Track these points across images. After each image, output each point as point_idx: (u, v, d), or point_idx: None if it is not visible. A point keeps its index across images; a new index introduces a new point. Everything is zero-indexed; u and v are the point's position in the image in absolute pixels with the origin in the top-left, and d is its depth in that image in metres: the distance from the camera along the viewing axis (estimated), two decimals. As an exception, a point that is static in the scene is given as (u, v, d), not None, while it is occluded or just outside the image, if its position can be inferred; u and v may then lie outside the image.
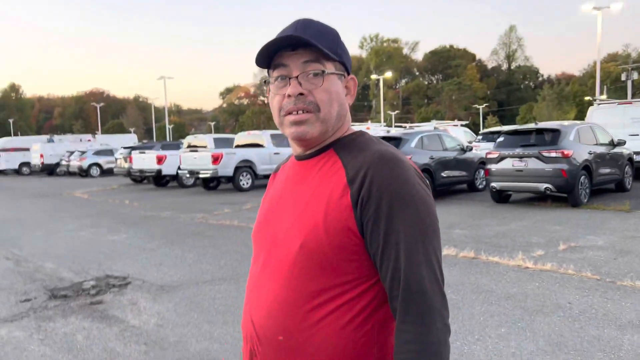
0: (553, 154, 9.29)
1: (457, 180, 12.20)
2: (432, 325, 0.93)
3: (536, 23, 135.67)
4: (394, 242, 0.95)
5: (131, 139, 35.56)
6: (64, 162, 27.50)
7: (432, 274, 0.95)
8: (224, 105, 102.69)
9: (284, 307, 1.01)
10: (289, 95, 1.03)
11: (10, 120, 76.69)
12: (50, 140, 30.54)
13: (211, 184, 16.24)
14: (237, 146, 16.55)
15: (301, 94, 1.02)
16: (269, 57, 1.06)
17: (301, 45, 1.02)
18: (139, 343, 3.87)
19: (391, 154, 1.00)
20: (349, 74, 1.11)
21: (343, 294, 0.99)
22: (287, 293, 1.01)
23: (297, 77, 1.03)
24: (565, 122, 10.35)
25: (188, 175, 15.95)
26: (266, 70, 1.10)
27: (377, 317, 1.00)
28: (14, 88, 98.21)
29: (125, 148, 21.48)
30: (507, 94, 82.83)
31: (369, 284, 1.00)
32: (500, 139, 10.43)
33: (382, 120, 46.26)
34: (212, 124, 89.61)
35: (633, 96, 32.09)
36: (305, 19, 1.07)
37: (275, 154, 16.10)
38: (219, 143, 17.33)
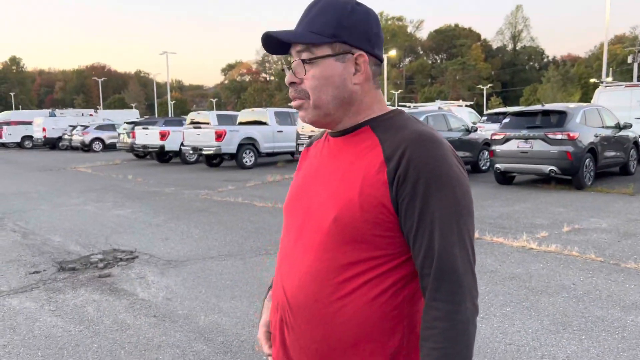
0: (559, 136, 9.27)
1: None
2: (461, 304, 0.94)
3: (543, 3, 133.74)
4: (428, 222, 0.96)
5: (133, 114, 35.44)
6: (66, 137, 27.47)
7: (464, 254, 0.96)
8: (226, 81, 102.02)
9: (315, 278, 1.03)
10: (288, 84, 1.09)
11: (12, 94, 76.29)
12: (52, 115, 30.49)
13: (214, 160, 16.24)
14: (241, 123, 16.51)
15: (292, 82, 1.06)
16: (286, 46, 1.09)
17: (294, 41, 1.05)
18: (148, 315, 3.93)
19: (430, 134, 1.00)
20: (362, 49, 1.04)
21: (374, 268, 1.01)
22: (320, 264, 1.03)
23: (289, 67, 1.07)
24: (572, 104, 10.29)
25: (191, 152, 15.95)
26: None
27: (408, 292, 1.02)
28: (14, 61, 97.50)
29: (128, 123, 21.44)
30: (512, 75, 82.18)
31: (401, 259, 1.02)
32: (506, 120, 10.39)
33: (385, 99, 46.02)
34: (214, 100, 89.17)
35: (639, 79, 31.80)
36: None
37: (278, 131, 16.08)
38: (222, 120, 17.31)
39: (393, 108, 1.12)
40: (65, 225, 7.38)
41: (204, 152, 15.41)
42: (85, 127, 26.36)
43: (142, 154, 19.53)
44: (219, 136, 14.88)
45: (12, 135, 30.52)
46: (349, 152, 1.07)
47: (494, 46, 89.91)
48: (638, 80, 31.43)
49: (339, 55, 1.03)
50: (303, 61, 1.04)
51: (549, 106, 10.29)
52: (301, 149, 13.94)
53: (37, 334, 3.64)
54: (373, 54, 1.06)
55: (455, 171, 0.98)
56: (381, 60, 1.11)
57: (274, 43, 1.07)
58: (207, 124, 16.49)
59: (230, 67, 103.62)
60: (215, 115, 17.60)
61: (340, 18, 1.03)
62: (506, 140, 9.92)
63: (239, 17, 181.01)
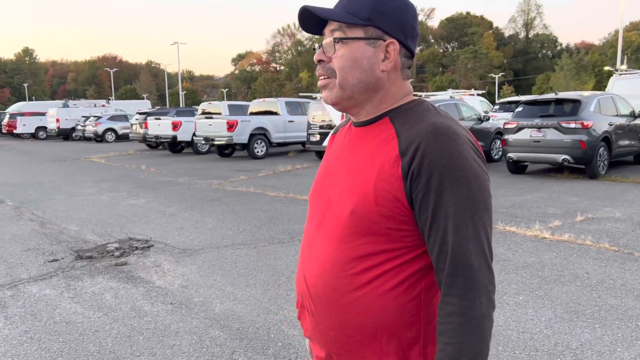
0: (572, 125, 9.19)
1: (473, 151, 12.15)
2: (476, 299, 0.94)
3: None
4: (442, 217, 0.96)
5: (145, 104, 35.63)
6: (79, 127, 27.71)
7: (479, 250, 0.96)
8: (236, 71, 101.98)
9: (334, 268, 1.06)
10: (316, 62, 1.10)
11: (25, 85, 76.98)
12: (65, 105, 30.73)
13: (226, 150, 16.32)
14: (252, 113, 16.55)
15: (321, 60, 1.08)
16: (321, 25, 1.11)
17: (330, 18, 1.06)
18: (165, 303, 4.00)
19: (447, 127, 0.98)
20: (395, 38, 1.05)
21: (391, 260, 1.02)
22: (338, 255, 1.05)
23: (320, 45, 1.09)
24: (586, 93, 10.19)
25: (203, 142, 16.03)
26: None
27: (425, 284, 1.03)
28: (27, 52, 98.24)
29: (140, 114, 21.58)
30: (524, 63, 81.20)
31: (418, 252, 1.03)
32: (519, 108, 10.31)
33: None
34: (225, 90, 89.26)
35: (655, 67, 31.36)
36: None
37: (289, 122, 16.10)
38: (233, 110, 17.37)
39: (415, 98, 1.12)
40: (81, 214, 7.49)
41: (215, 142, 15.48)
42: (98, 117, 26.57)
43: (154, 144, 19.67)
44: (231, 126, 14.94)
45: (27, 126, 30.84)
46: (368, 144, 1.08)
47: (506, 34, 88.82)
48: (654, 68, 30.91)
49: (371, 39, 1.04)
50: (334, 40, 1.05)
51: (562, 95, 10.19)
52: (312, 138, 13.99)
53: (57, 320, 3.73)
54: (405, 44, 1.07)
55: (471, 165, 0.97)
56: (413, 54, 1.10)
57: (310, 21, 1.08)
58: (219, 114, 16.56)
59: (240, 57, 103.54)
60: (227, 105, 17.66)
61: (377, 3, 1.04)
62: (519, 129, 9.85)
63: (249, 7, 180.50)
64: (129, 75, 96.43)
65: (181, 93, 57.99)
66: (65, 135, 29.14)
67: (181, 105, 52.69)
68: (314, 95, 17.10)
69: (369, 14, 1.03)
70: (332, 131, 1.30)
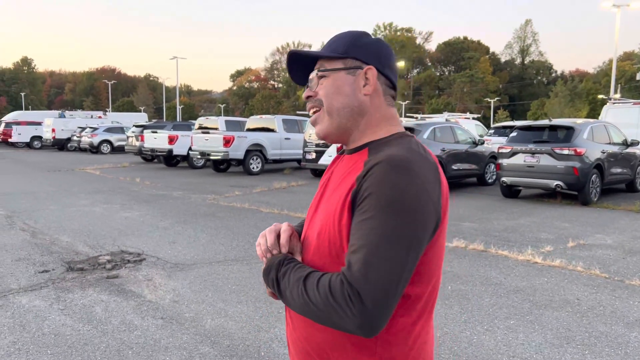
0: (566, 152, 9.30)
1: (467, 174, 12.23)
2: (339, 310, 0.95)
3: (552, 18, 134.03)
4: (361, 236, 0.98)
5: (141, 117, 35.67)
6: (75, 138, 27.69)
7: (379, 281, 0.95)
8: (234, 87, 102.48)
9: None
10: (305, 99, 1.20)
11: (22, 94, 76.96)
12: (62, 116, 30.73)
13: (221, 166, 16.34)
14: (249, 130, 16.61)
15: (309, 96, 1.18)
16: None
17: (312, 57, 1.19)
18: (155, 317, 3.98)
19: (399, 159, 1.00)
20: (372, 64, 1.14)
21: None
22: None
23: (306, 84, 1.20)
24: (579, 120, 10.32)
25: (199, 157, 16.05)
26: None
27: (391, 325, 1.04)
28: (26, 62, 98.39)
29: (137, 126, 21.60)
30: (519, 89, 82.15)
31: None
32: (513, 133, 10.43)
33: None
34: (222, 106, 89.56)
35: (647, 96, 31.80)
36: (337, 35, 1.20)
37: (286, 139, 16.17)
38: (230, 126, 17.43)
39: (401, 131, 1.15)
40: (74, 225, 7.46)
41: (211, 157, 15.51)
42: (94, 129, 26.57)
43: (150, 157, 19.67)
44: (227, 142, 14.98)
45: (22, 135, 30.79)
46: (344, 169, 1.13)
47: (502, 60, 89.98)
48: (646, 98, 31.36)
49: (350, 69, 1.13)
50: (317, 74, 1.16)
51: (556, 121, 10.32)
52: (308, 156, 14.05)
53: (46, 332, 3.70)
54: (383, 72, 1.15)
55: (406, 199, 0.97)
56: (393, 84, 1.18)
57: (299, 70, 1.21)
58: (216, 129, 16.61)
59: (239, 74, 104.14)
60: (224, 121, 17.72)
61: (353, 39, 1.15)
62: (513, 153, 9.95)
63: (249, 24, 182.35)
64: (127, 88, 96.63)
65: (178, 107, 58.10)
66: (61, 145, 29.10)
67: (178, 119, 52.80)
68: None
69: (346, 48, 1.14)
70: (339, 152, 1.32)
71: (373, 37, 1.19)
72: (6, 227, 7.36)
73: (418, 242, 0.98)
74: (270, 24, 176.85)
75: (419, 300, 1.06)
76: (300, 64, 1.20)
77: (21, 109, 56.67)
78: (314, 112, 1.17)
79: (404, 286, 0.98)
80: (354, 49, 1.14)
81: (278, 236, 1.17)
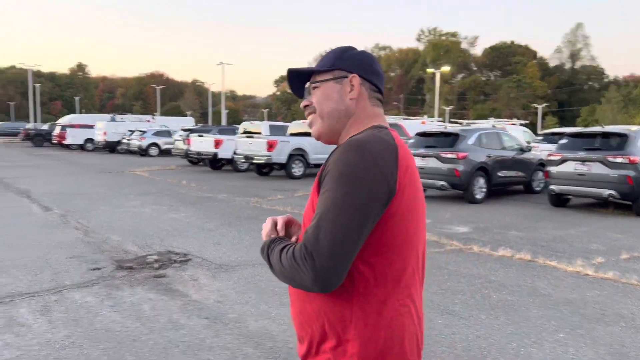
0: (619, 160, 8.92)
1: (513, 181, 11.92)
2: (301, 267, 1.13)
3: (604, 22, 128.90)
4: (320, 206, 1.16)
5: (188, 121, 36.56)
6: (124, 141, 28.64)
7: (328, 238, 1.11)
8: (278, 93, 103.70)
9: None
10: (303, 108, 1.40)
11: (76, 98, 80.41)
12: (113, 119, 31.85)
13: (264, 169, 16.55)
14: (291, 134, 16.76)
15: (306, 105, 1.38)
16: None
17: (307, 73, 1.39)
18: (200, 317, 4.07)
19: (355, 141, 1.19)
20: (356, 73, 1.33)
21: None
22: None
23: (302, 96, 1.41)
24: (634, 127, 9.89)
25: (243, 160, 16.31)
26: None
27: (363, 288, 1.19)
28: (81, 67, 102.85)
29: (184, 130, 22.15)
30: (569, 94, 79.38)
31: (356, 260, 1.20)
32: (563, 140, 10.09)
33: (435, 115, 45.46)
34: (265, 111, 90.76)
35: None
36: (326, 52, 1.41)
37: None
38: (273, 130, 17.61)
39: (378, 124, 1.32)
40: (124, 225, 7.73)
41: (255, 161, 15.73)
42: (143, 132, 27.41)
43: (196, 160, 20.12)
44: (271, 146, 15.18)
45: (76, 137, 32.08)
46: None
47: (551, 64, 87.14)
48: None
49: (337, 78, 1.33)
50: (311, 86, 1.37)
51: (609, 128, 9.93)
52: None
53: (97, 327, 3.85)
54: (367, 78, 1.34)
55: (354, 172, 1.14)
56: (378, 88, 1.36)
57: (296, 86, 1.41)
58: (259, 133, 16.85)
59: (282, 79, 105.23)
60: (268, 125, 17.94)
61: (339, 54, 1.36)
62: (563, 161, 9.63)
63: (293, 30, 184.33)
64: (174, 93, 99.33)
65: (224, 112, 59.28)
66: (111, 147, 30.16)
67: (223, 124, 53.81)
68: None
69: (333, 62, 1.34)
70: None
71: (356, 50, 1.38)
72: (61, 225, 7.70)
73: (365, 208, 1.13)
74: (314, 31, 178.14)
75: (388, 272, 1.18)
76: (299, 79, 1.40)
77: (75, 113, 59.15)
78: (310, 116, 1.36)
79: (353, 247, 1.13)
80: (340, 61, 1.34)
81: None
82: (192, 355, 3.39)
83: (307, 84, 1.38)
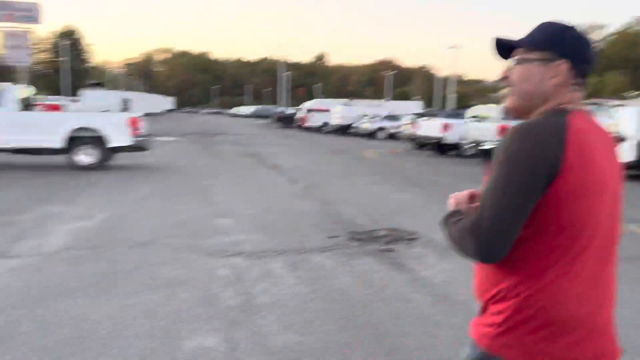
0: None
1: None
2: (467, 230, 1.24)
3: None
4: (484, 186, 1.26)
5: (417, 105, 37.05)
6: (355, 124, 30.51)
7: (492, 208, 1.20)
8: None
9: None
10: (502, 77, 1.40)
11: (317, 85, 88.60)
12: (348, 104, 34.20)
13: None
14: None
15: (505, 77, 1.38)
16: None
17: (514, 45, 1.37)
18: (426, 294, 4.14)
19: (520, 126, 1.22)
20: (565, 60, 1.27)
21: None
22: None
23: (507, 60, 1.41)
24: None
25: (470, 145, 15.84)
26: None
27: (528, 251, 1.25)
28: (320, 57, 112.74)
29: (415, 114, 22.53)
30: None
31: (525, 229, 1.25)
32: None
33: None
34: (494, 95, 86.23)
35: None
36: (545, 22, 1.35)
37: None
38: (504, 115, 16.65)
39: (562, 107, 1.29)
40: (354, 201, 8.29)
41: (483, 147, 15.13)
42: (373, 116, 28.78)
43: (422, 144, 20.31)
44: (503, 131, 14.38)
45: (315, 120, 35.42)
46: None
47: None
48: None
49: (544, 60, 1.29)
50: (515, 60, 1.35)
51: None
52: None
53: (335, 288, 4.24)
54: (576, 65, 1.28)
55: (513, 155, 1.20)
56: (583, 74, 1.30)
57: (502, 49, 1.39)
58: (489, 118, 16.11)
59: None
60: (499, 110, 17.03)
61: (555, 34, 1.29)
62: None
63: (532, 11, 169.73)
64: (403, 78, 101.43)
65: (452, 96, 58.29)
66: (344, 130, 32.45)
67: (450, 108, 52.99)
68: (604, 101, 15.07)
69: (546, 42, 1.29)
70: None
71: (575, 31, 1.29)
72: (304, 197, 8.65)
73: (524, 189, 1.18)
74: (551, 9, 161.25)
75: (551, 249, 1.21)
76: (504, 48, 1.38)
77: (314, 99, 65.26)
78: (506, 89, 1.38)
79: (513, 225, 1.19)
80: (552, 42, 1.28)
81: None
82: (421, 327, 3.48)
83: (512, 59, 1.36)
